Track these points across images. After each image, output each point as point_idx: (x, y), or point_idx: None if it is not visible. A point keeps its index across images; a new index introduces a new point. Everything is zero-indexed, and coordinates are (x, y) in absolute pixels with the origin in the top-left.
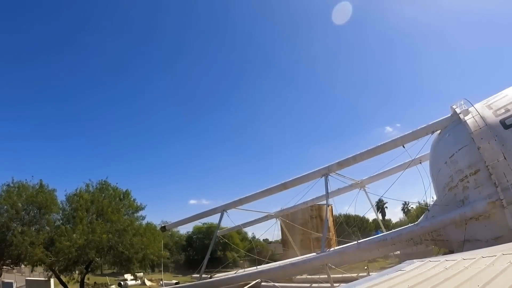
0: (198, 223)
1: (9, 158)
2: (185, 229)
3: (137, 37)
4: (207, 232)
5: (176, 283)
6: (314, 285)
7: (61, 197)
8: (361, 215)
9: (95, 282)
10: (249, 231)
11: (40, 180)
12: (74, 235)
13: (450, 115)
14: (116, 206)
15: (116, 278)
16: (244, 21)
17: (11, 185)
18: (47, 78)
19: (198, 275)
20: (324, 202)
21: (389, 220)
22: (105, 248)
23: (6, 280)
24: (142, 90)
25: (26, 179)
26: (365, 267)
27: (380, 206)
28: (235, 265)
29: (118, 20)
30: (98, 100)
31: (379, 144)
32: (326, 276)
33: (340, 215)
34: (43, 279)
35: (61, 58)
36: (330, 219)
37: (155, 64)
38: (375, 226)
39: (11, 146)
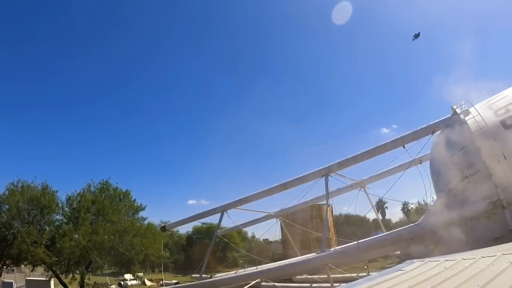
0: (198, 223)
1: (13, 161)
2: (185, 229)
3: (140, 41)
4: (207, 232)
5: (176, 283)
6: (314, 285)
7: (62, 197)
8: (361, 215)
9: (95, 282)
10: (249, 231)
11: (45, 180)
12: (76, 235)
13: (450, 115)
14: (116, 206)
15: (116, 278)
16: (245, 22)
17: (15, 184)
18: (51, 84)
19: (198, 275)
20: (324, 202)
21: (389, 220)
22: (106, 249)
23: (6, 280)
24: (143, 91)
25: (31, 180)
26: (365, 267)
27: (380, 206)
28: (235, 265)
29: (121, 25)
30: (98, 101)
31: (380, 144)
32: (326, 276)
33: (340, 215)
34: (43, 279)
35: (66, 65)
36: (330, 219)
37: (156, 67)
38: (375, 226)
39: (14, 149)
